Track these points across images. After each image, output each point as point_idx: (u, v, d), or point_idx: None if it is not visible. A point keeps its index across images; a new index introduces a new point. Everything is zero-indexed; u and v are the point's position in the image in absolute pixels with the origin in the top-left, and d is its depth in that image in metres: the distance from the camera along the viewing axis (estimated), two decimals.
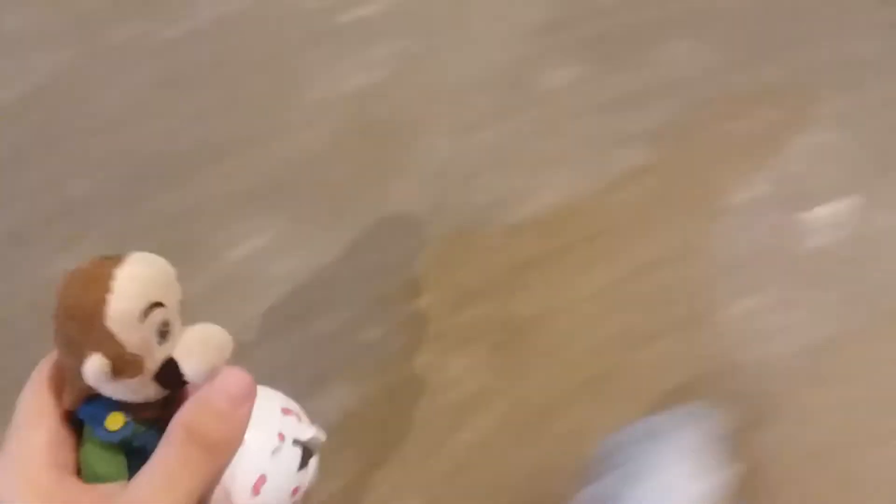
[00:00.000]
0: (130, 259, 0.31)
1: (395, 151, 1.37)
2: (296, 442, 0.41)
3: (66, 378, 0.32)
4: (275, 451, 0.39)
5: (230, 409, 0.32)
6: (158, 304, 0.31)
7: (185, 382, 0.33)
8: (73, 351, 0.31)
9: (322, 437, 0.42)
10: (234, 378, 0.32)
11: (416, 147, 1.37)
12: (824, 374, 1.14)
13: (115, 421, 0.32)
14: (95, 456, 0.32)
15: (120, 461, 0.32)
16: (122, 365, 0.31)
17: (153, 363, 0.32)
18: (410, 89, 1.43)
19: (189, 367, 0.32)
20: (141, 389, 0.32)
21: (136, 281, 0.31)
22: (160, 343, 0.32)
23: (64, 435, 0.33)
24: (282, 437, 0.40)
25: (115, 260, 0.31)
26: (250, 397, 0.32)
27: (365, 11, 1.51)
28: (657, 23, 1.51)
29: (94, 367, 0.30)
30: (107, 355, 0.30)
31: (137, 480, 0.31)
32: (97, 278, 0.31)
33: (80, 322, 0.31)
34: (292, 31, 1.51)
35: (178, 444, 0.31)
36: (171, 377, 0.32)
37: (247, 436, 0.32)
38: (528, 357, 1.17)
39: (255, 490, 0.37)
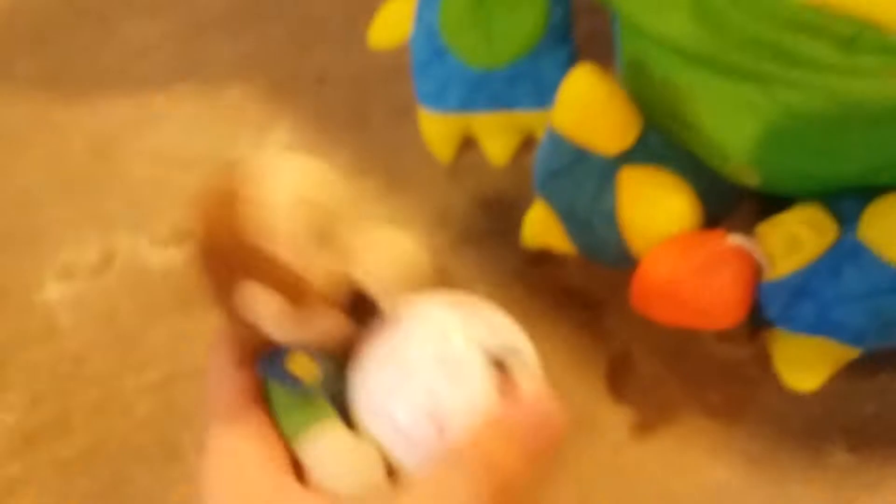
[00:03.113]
0: (274, 160, 0.24)
1: None
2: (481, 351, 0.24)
3: (236, 340, 0.26)
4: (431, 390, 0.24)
5: (537, 448, 0.23)
6: (311, 205, 0.24)
7: (374, 310, 0.25)
8: (228, 292, 0.24)
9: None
10: (546, 409, 0.23)
11: None
12: None
13: (301, 366, 0.24)
14: (290, 408, 0.25)
15: (318, 408, 0.25)
16: (289, 291, 0.23)
17: (329, 287, 0.24)
18: None
19: (382, 290, 0.24)
20: (322, 324, 0.24)
21: (283, 185, 0.23)
22: (327, 257, 0.24)
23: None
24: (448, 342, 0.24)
25: (247, 171, 0.24)
26: (559, 440, 0.23)
27: None
28: None
29: (261, 302, 0.23)
30: (269, 284, 0.23)
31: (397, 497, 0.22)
32: (230, 192, 0.23)
33: (223, 252, 0.23)
34: None
35: (465, 467, 0.22)
36: (356, 303, 0.25)
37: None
38: None
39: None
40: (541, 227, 0.41)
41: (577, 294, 0.41)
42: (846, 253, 0.33)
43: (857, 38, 0.29)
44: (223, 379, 0.26)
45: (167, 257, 0.44)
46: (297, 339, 0.24)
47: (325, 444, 0.24)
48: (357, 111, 0.52)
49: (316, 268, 0.24)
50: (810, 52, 0.30)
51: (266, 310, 0.23)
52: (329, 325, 0.25)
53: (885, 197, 0.32)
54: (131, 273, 0.43)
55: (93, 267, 0.43)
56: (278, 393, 0.25)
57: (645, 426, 0.36)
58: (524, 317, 0.42)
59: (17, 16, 0.58)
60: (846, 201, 0.34)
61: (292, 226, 0.23)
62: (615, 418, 0.37)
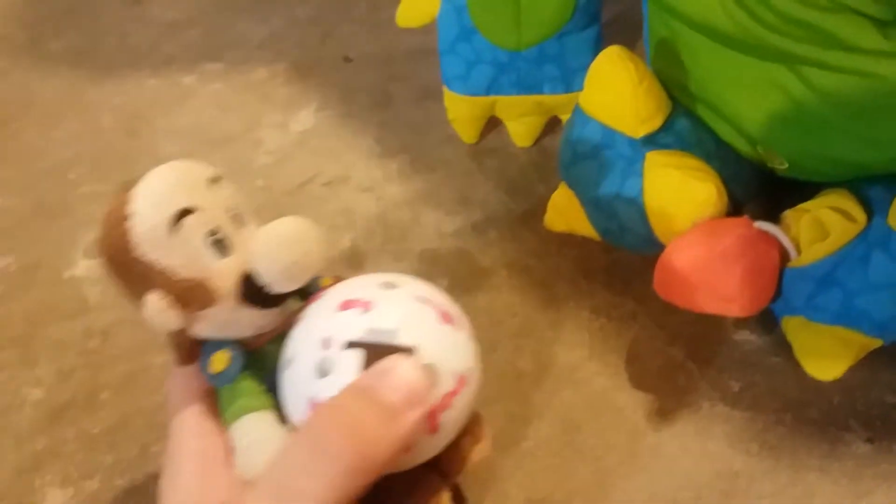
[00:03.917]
0: (149, 174, 0.25)
1: None
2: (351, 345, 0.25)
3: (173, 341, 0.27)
4: (320, 368, 0.25)
5: (400, 408, 0.23)
6: (189, 211, 0.25)
7: (281, 296, 0.26)
8: (130, 299, 0.25)
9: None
10: (409, 373, 0.24)
11: None
12: None
13: (218, 361, 0.26)
14: (226, 400, 0.26)
15: (251, 396, 0.26)
16: (182, 294, 0.25)
17: (225, 283, 0.25)
18: None
19: (266, 273, 0.25)
20: (237, 319, 0.26)
21: (153, 192, 0.25)
22: (221, 257, 0.25)
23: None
24: (328, 343, 0.25)
25: (130, 183, 0.25)
26: (424, 402, 0.24)
27: None
28: None
29: (152, 308, 0.25)
30: (159, 290, 0.25)
31: (266, 473, 0.24)
32: (115, 209, 0.25)
33: (117, 266, 0.25)
34: None
35: (323, 429, 0.23)
36: (255, 293, 0.25)
37: (292, 349, 0.26)
38: None
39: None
40: (563, 210, 0.40)
41: (599, 278, 0.41)
42: (875, 241, 0.32)
43: (895, 21, 0.28)
44: (174, 376, 0.28)
45: None
46: (221, 336, 0.26)
47: (244, 432, 0.26)
48: (383, 91, 0.51)
49: (208, 266, 0.25)
50: (847, 35, 0.29)
51: (166, 314, 0.25)
52: (241, 317, 0.26)
53: None
54: None
55: None
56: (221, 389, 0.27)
57: (664, 412, 0.36)
58: (545, 301, 0.42)
59: None
60: (875, 188, 0.33)
61: (161, 229, 0.24)
62: (634, 404, 0.36)
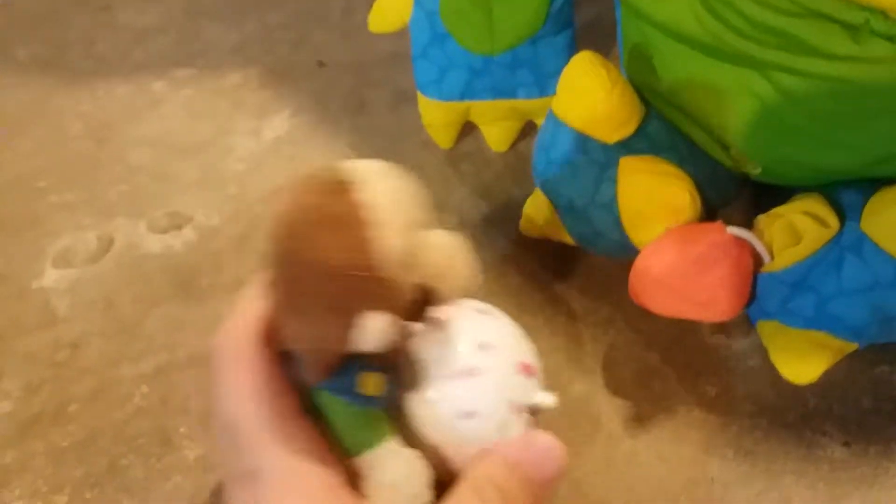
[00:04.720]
0: (364, 176, 0.22)
1: None
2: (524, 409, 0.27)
3: (300, 351, 0.23)
4: (501, 427, 0.26)
5: (542, 485, 0.24)
6: (419, 227, 0.23)
7: (427, 317, 0.25)
8: (335, 316, 0.22)
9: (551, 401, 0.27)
10: (551, 448, 0.25)
11: None
12: None
13: (373, 384, 0.23)
14: (356, 424, 0.24)
15: (381, 421, 0.24)
16: (401, 314, 0.23)
17: (411, 299, 0.23)
18: None
19: (450, 292, 0.24)
20: (400, 336, 0.24)
21: (395, 204, 0.22)
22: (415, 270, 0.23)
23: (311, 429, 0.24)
24: (514, 405, 0.26)
25: (346, 182, 0.22)
26: (560, 476, 0.25)
27: None
28: None
29: (378, 329, 0.22)
30: (387, 310, 0.22)
31: None
32: (346, 215, 0.21)
33: (347, 279, 0.21)
34: None
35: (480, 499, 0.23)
36: (421, 312, 0.24)
37: (476, 402, 0.25)
38: None
39: None
40: (538, 215, 0.40)
41: (575, 284, 0.41)
42: (848, 245, 0.32)
43: (865, 25, 0.28)
44: (257, 388, 0.24)
45: (165, 244, 0.43)
46: (375, 352, 0.23)
47: (391, 462, 0.24)
48: (357, 97, 0.51)
49: (409, 282, 0.23)
50: (817, 41, 0.29)
51: (380, 334, 0.22)
52: (403, 336, 0.24)
53: (889, 188, 0.31)
54: (129, 260, 0.43)
55: (91, 254, 0.43)
56: (338, 407, 0.24)
57: (640, 418, 0.35)
58: (520, 307, 0.41)
59: (16, 1, 0.57)
60: (848, 193, 0.33)
61: (402, 243, 0.22)
62: (611, 410, 0.36)
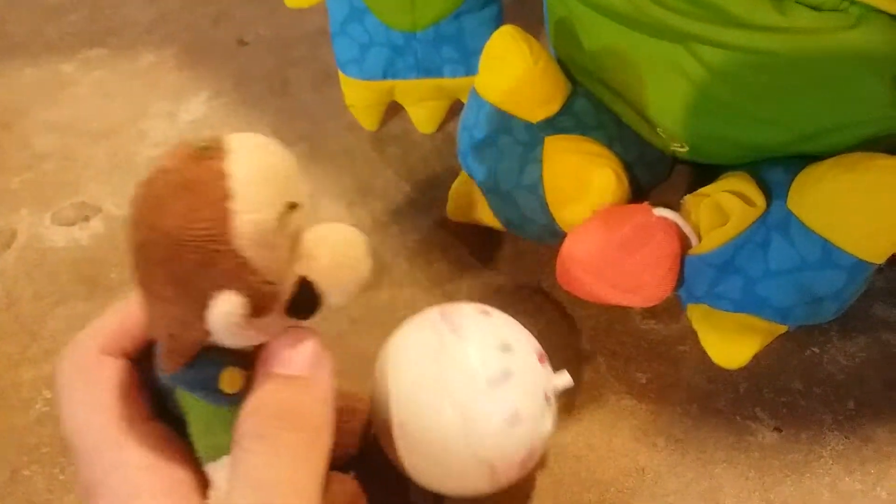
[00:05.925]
0: (236, 146, 0.20)
1: None
2: (551, 396, 0.29)
3: (159, 335, 0.21)
4: (539, 420, 0.27)
5: (311, 373, 0.22)
6: (294, 206, 0.21)
7: (314, 312, 0.22)
8: (186, 293, 0.20)
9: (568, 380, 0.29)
10: (298, 338, 0.22)
11: None
12: None
13: (232, 380, 0.21)
14: (214, 426, 0.22)
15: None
16: (260, 299, 0.20)
17: (284, 289, 0.21)
18: None
19: (336, 290, 0.22)
20: (265, 327, 0.22)
21: (262, 177, 0.20)
22: (292, 257, 0.21)
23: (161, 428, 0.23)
24: (546, 396, 0.28)
25: (213, 150, 0.20)
26: (325, 356, 0.23)
27: None
28: None
29: (229, 310, 0.20)
30: (241, 290, 0.20)
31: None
32: (204, 183, 0.20)
33: (198, 250, 0.20)
34: None
35: (265, 442, 0.21)
36: (304, 306, 0.22)
37: (518, 403, 0.26)
38: None
39: (523, 466, 0.28)
40: (465, 199, 0.38)
41: (504, 270, 0.39)
42: (774, 224, 0.31)
43: None
44: (98, 400, 0.22)
45: (70, 237, 0.40)
46: (234, 345, 0.22)
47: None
48: (280, 77, 0.48)
49: (281, 269, 0.21)
50: (741, 11, 0.28)
51: (237, 321, 0.20)
52: (275, 328, 0.22)
53: (815, 165, 0.30)
54: (32, 254, 0.40)
55: None
56: (197, 409, 0.22)
57: (570, 408, 0.34)
58: (448, 294, 0.39)
59: None
60: (775, 170, 0.32)
61: (271, 225, 0.20)
62: None
